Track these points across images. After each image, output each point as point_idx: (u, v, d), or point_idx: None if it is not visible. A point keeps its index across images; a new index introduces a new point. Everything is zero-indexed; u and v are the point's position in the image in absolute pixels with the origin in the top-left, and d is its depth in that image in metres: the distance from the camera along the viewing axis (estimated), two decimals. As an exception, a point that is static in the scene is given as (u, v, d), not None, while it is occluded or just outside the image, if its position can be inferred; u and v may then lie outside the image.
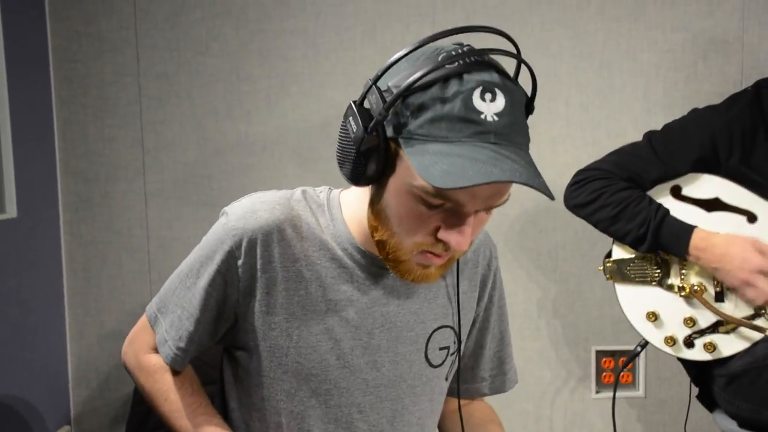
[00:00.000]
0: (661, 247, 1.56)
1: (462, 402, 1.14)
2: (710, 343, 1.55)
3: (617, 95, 2.06)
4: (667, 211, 1.56)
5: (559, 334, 2.14)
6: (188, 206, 2.11)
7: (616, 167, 1.60)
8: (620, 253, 1.62)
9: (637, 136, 1.69)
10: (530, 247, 2.12)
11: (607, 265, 1.63)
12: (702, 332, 1.57)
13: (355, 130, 0.84)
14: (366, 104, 0.86)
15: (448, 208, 0.85)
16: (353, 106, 0.86)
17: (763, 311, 1.53)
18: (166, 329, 1.02)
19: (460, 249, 0.87)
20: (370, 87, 0.85)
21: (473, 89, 0.80)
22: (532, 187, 0.79)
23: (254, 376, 1.00)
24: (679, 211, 1.58)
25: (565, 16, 2.05)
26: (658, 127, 1.67)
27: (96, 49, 2.08)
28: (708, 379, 1.63)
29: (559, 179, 1.96)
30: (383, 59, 0.97)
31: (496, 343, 1.16)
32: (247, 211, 0.97)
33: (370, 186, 0.91)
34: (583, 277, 2.11)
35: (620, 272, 1.61)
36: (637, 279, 1.60)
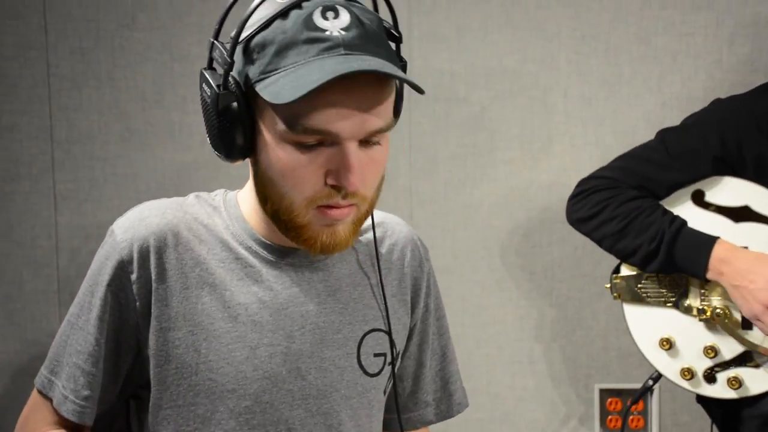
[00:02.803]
0: (676, 265, 1.53)
1: None
2: (735, 378, 1.51)
3: (626, 86, 1.99)
4: (684, 222, 1.53)
5: (555, 369, 2.05)
6: (108, 212, 2.02)
7: (623, 174, 1.59)
8: (631, 268, 1.60)
9: (649, 134, 1.65)
10: (521, 265, 2.03)
11: (615, 281, 1.60)
12: (725, 365, 1.53)
13: (209, 94, 0.88)
14: (215, 66, 0.91)
15: (328, 147, 0.87)
16: (203, 71, 0.90)
17: None
18: (63, 386, 0.99)
19: (353, 188, 0.87)
20: (212, 44, 0.89)
21: (312, 10, 0.85)
22: (389, 75, 0.83)
23: (163, 410, 0.98)
24: (702, 221, 1.54)
25: (565, -9, 2.02)
26: (674, 123, 1.64)
27: (-8, 15, 2.03)
28: (736, 423, 1.57)
29: (555, 185, 1.94)
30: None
31: (438, 360, 1.15)
32: (134, 220, 0.97)
33: (250, 163, 0.94)
34: (584, 301, 2.02)
35: (630, 290, 1.59)
36: (649, 299, 1.58)
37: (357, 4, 0.89)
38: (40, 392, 1.03)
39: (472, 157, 1.97)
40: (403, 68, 0.93)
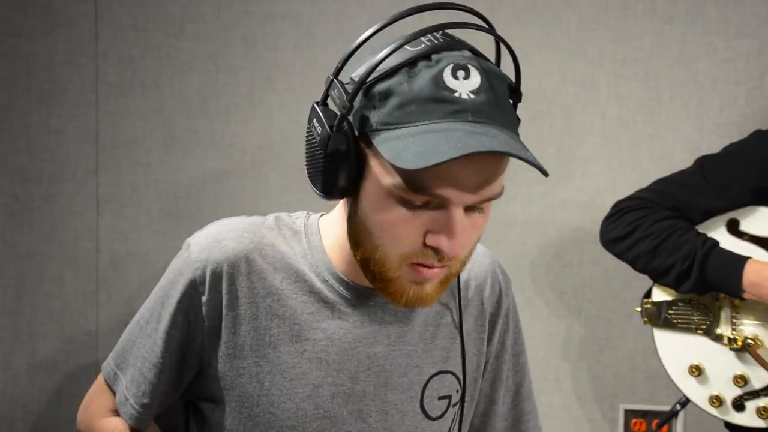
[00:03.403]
0: (710, 284, 1.52)
1: None
2: (765, 408, 1.50)
3: (664, 110, 1.98)
4: (716, 242, 1.53)
5: (581, 388, 2.03)
6: (148, 216, 2.03)
7: (659, 196, 1.58)
8: (662, 294, 1.59)
9: (686, 159, 1.65)
10: (552, 284, 2.02)
11: (646, 306, 1.59)
12: (755, 394, 1.52)
13: (320, 132, 0.84)
14: (329, 103, 0.86)
15: (434, 208, 0.83)
16: (316, 106, 0.86)
17: None
18: (126, 386, 1.00)
19: (452, 254, 0.84)
20: (332, 82, 0.85)
21: (443, 67, 0.80)
22: (519, 158, 0.78)
23: (222, 430, 0.97)
24: (735, 249, 1.53)
25: (606, 15, 1.99)
26: (712, 150, 1.63)
27: (46, 23, 2.02)
28: None
29: (589, 205, 1.93)
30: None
31: (511, 398, 1.10)
32: (211, 240, 0.95)
33: (345, 201, 0.91)
34: (613, 321, 2.01)
35: (660, 316, 1.58)
36: (680, 325, 1.57)
37: (486, 62, 0.84)
38: (105, 380, 1.04)
39: (508, 174, 1.92)
40: (517, 125, 0.89)
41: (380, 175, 0.83)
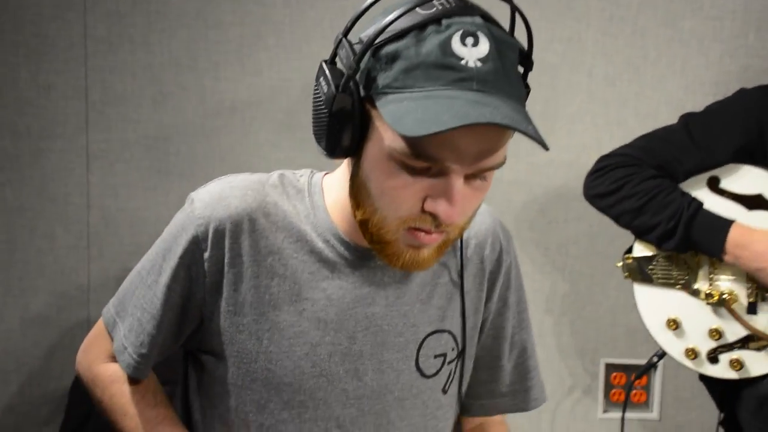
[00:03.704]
0: (694, 244, 1.52)
1: (478, 420, 1.13)
2: (737, 360, 1.53)
3: (650, 68, 1.98)
4: (701, 203, 1.53)
5: (564, 343, 2.06)
6: (138, 172, 2.00)
7: (644, 153, 1.58)
8: (643, 250, 1.60)
9: (671, 117, 1.64)
10: (537, 241, 2.04)
11: (627, 261, 1.61)
12: (729, 347, 1.54)
13: (326, 91, 0.84)
14: (337, 63, 0.85)
15: (434, 174, 0.83)
16: (323, 65, 0.85)
17: None
18: (124, 334, 1.01)
19: (449, 221, 0.84)
20: (340, 41, 0.84)
21: (452, 33, 0.79)
22: (520, 131, 0.77)
23: (220, 384, 0.98)
24: (716, 206, 1.54)
25: (594, -27, 1.98)
26: (697, 107, 1.62)
27: (33, -23, 1.97)
28: (736, 402, 1.59)
29: (575, 163, 1.93)
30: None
31: (517, 354, 1.11)
32: (215, 197, 0.94)
33: (349, 160, 0.90)
34: (596, 278, 2.03)
35: (641, 271, 1.59)
36: (659, 280, 1.58)
37: (497, 28, 0.83)
38: (105, 325, 1.04)
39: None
40: (527, 95, 0.87)
41: (383, 138, 0.82)
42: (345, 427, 0.98)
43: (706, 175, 1.54)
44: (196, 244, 0.93)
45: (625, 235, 1.60)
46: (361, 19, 0.84)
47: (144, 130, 1.97)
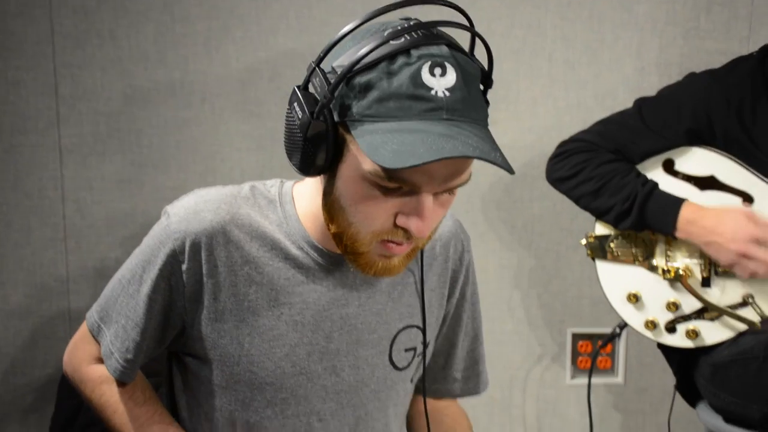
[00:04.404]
0: (647, 224, 1.56)
1: (430, 401, 1.16)
2: (693, 330, 1.57)
3: (607, 52, 1.99)
4: (655, 184, 1.56)
5: (532, 315, 2.10)
6: (112, 165, 1.99)
7: (601, 138, 1.60)
8: (603, 229, 1.63)
9: (628, 98, 1.67)
10: (504, 219, 2.06)
11: (589, 240, 1.64)
12: (685, 318, 1.58)
13: (300, 117, 0.85)
14: (310, 88, 0.87)
15: (405, 192, 0.86)
16: (297, 91, 0.87)
17: (751, 300, 1.54)
18: (110, 340, 1.04)
19: (420, 235, 0.88)
20: (313, 69, 0.86)
21: (421, 65, 0.82)
22: (488, 161, 0.80)
23: (205, 385, 1.02)
24: (670, 187, 1.57)
25: (551, -41, 1.97)
26: (651, 89, 1.66)
27: (-4, -27, 1.92)
28: (692, 368, 1.64)
29: (538, 144, 1.96)
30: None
31: (470, 341, 1.17)
32: (190, 212, 0.97)
33: (321, 176, 0.92)
34: (561, 253, 2.07)
35: (602, 249, 1.62)
36: (620, 257, 1.62)
37: (461, 55, 0.86)
38: (89, 330, 1.07)
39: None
40: (486, 109, 0.90)
41: (357, 161, 0.85)
42: (326, 420, 1.02)
43: (661, 157, 1.57)
44: (174, 257, 0.96)
45: (587, 213, 1.63)
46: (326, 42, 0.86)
47: (116, 124, 1.95)
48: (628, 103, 1.65)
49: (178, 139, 1.97)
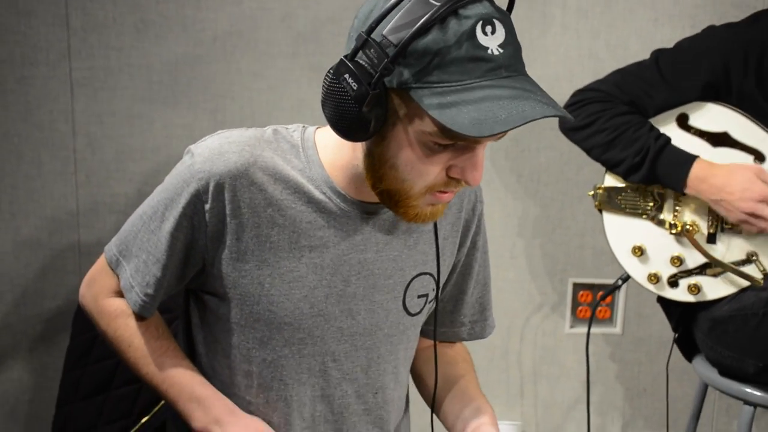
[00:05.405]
0: (657, 179, 1.56)
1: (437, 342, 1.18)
2: (695, 285, 1.58)
3: (622, 1, 1.97)
4: (668, 139, 1.55)
5: (534, 264, 2.12)
6: (123, 100, 1.97)
7: (617, 89, 1.58)
8: (613, 181, 1.63)
9: (640, 49, 1.66)
10: (511, 168, 2.06)
11: (598, 191, 1.63)
12: (688, 272, 1.59)
13: (355, 88, 0.85)
14: (359, 58, 0.86)
15: (460, 146, 0.88)
16: (347, 62, 0.85)
17: (755, 258, 1.55)
18: (131, 274, 1.05)
19: (475, 183, 0.90)
20: (365, 40, 0.85)
21: (474, 25, 0.83)
22: (561, 117, 0.84)
23: (224, 322, 1.04)
24: (683, 142, 1.56)
25: None
26: (664, 40, 1.65)
27: None
28: (691, 322, 1.65)
29: (548, 93, 1.90)
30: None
31: (480, 289, 1.20)
32: (214, 152, 0.98)
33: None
34: (566, 203, 2.08)
35: (610, 201, 1.62)
36: (627, 210, 1.62)
37: (499, 8, 0.87)
38: (108, 263, 1.08)
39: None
40: None
41: (412, 123, 0.87)
42: (339, 360, 1.06)
43: (675, 112, 1.56)
44: (197, 197, 0.97)
45: (593, 164, 1.63)
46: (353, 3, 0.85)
47: (126, 58, 1.94)
48: (640, 55, 1.63)
49: (189, 76, 1.95)
